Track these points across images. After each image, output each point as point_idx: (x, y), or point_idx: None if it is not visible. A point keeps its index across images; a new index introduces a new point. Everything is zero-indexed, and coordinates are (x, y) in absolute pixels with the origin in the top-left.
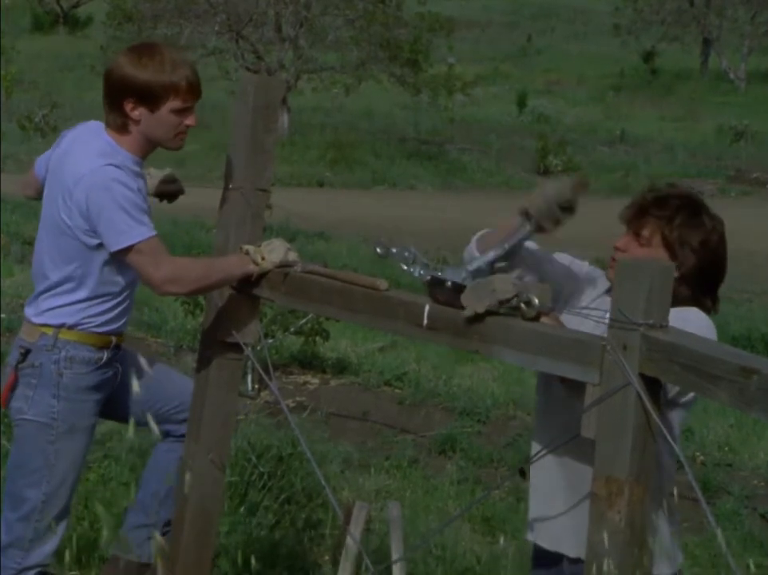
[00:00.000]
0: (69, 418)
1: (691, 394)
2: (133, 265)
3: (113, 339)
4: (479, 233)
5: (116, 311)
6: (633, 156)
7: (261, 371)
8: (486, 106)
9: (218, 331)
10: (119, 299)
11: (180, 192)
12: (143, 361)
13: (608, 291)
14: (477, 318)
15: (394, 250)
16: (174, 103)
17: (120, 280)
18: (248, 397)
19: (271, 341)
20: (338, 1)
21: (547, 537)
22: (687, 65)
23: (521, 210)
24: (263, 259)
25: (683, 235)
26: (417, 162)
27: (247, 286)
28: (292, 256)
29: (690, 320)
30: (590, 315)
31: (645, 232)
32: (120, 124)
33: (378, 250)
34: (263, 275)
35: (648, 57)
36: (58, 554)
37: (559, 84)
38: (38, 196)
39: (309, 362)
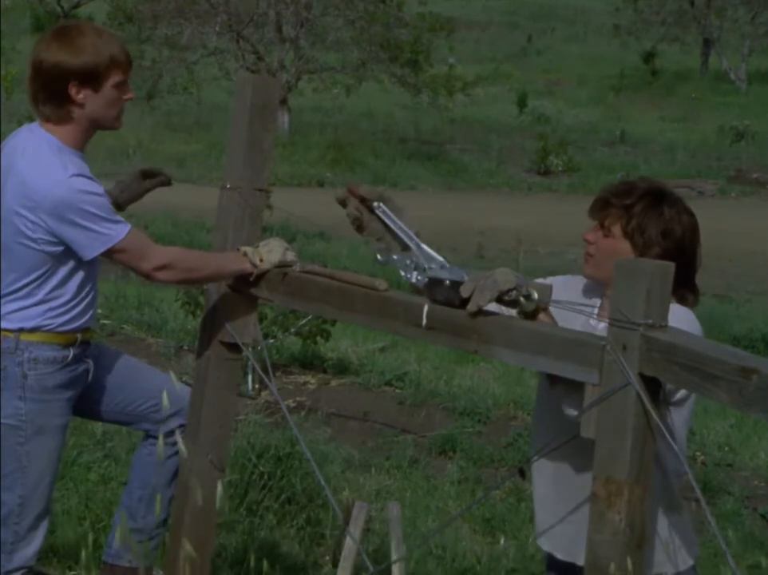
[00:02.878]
0: (37, 418)
1: (682, 393)
2: (120, 263)
3: (78, 336)
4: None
5: (77, 310)
6: (633, 156)
7: (260, 372)
8: (487, 107)
9: (217, 332)
10: (79, 298)
11: (166, 180)
12: (117, 357)
13: (585, 290)
14: (480, 313)
15: (395, 257)
16: (116, 77)
17: (79, 281)
18: (249, 397)
19: (271, 341)
20: (339, 2)
21: (559, 547)
22: (688, 65)
23: (371, 198)
24: (261, 260)
25: (642, 225)
26: (418, 162)
27: (245, 286)
28: (290, 256)
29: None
30: (575, 309)
31: (607, 223)
32: (61, 114)
33: (379, 257)
34: (261, 275)
35: (648, 57)
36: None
37: (559, 84)
38: None
39: (309, 362)
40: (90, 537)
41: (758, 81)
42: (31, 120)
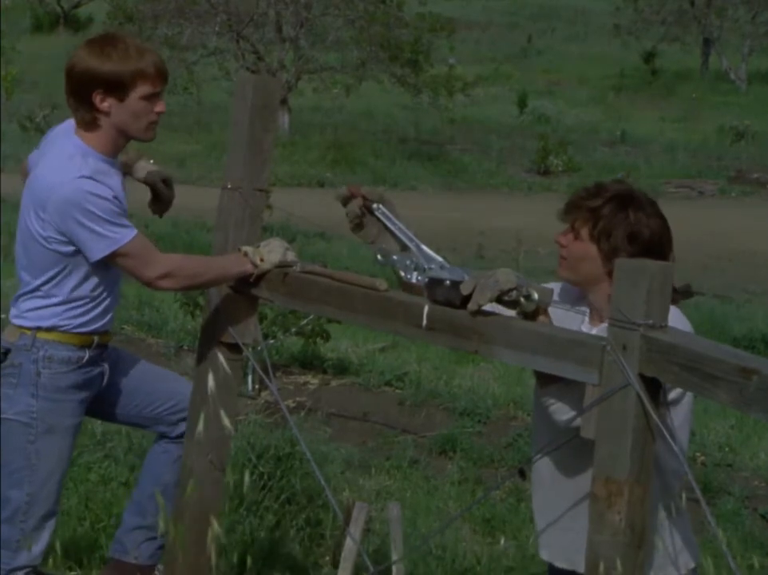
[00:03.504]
0: (48, 417)
1: (677, 392)
2: (123, 268)
3: (95, 338)
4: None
5: (95, 312)
6: (634, 156)
7: (261, 372)
8: (487, 107)
9: (217, 332)
10: (97, 300)
11: (171, 200)
12: (133, 361)
13: (567, 298)
14: (480, 313)
15: (395, 257)
16: (143, 89)
17: (97, 283)
18: (249, 397)
19: (271, 342)
20: (339, 2)
21: (558, 555)
22: (688, 65)
23: (371, 199)
24: (261, 260)
25: (607, 228)
26: (418, 163)
27: (245, 286)
28: (291, 256)
29: None
30: (574, 309)
31: (577, 225)
32: (89, 120)
33: (379, 257)
34: (262, 275)
35: (649, 57)
36: (62, 553)
37: (559, 84)
38: None
39: (309, 362)
40: (91, 538)
41: (758, 81)
42: (31, 120)
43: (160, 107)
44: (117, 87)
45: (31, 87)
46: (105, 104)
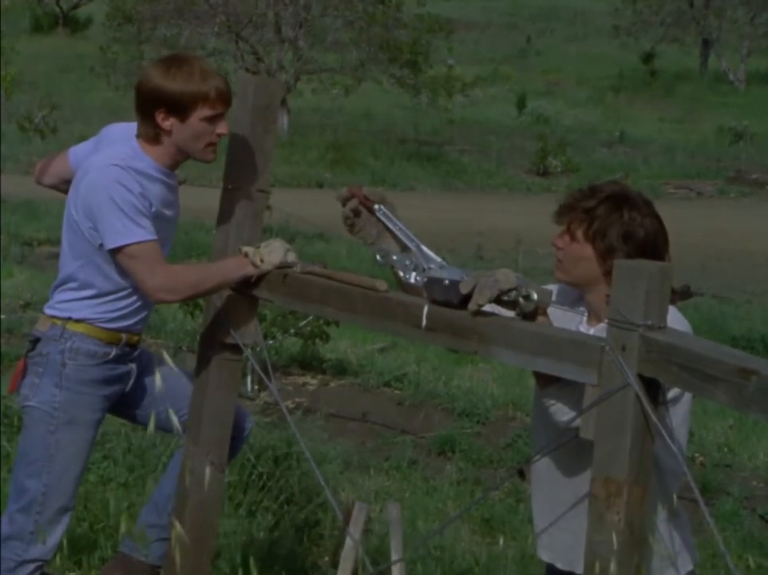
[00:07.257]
0: (69, 408)
1: (674, 392)
2: (127, 269)
3: (123, 336)
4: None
5: (126, 310)
6: (632, 157)
7: (260, 372)
8: (486, 107)
9: (217, 332)
10: (130, 299)
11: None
12: (167, 367)
13: (565, 299)
14: (480, 313)
15: (395, 257)
16: (203, 111)
17: (127, 280)
18: (248, 398)
19: (271, 342)
20: (338, 3)
21: (558, 557)
22: (687, 66)
23: (373, 199)
24: (261, 260)
25: (602, 228)
26: (417, 163)
27: (246, 287)
28: (291, 257)
29: None
30: (572, 310)
31: (573, 227)
32: (152, 136)
33: (378, 257)
34: (262, 276)
35: (648, 58)
36: (67, 552)
37: (558, 85)
38: (53, 185)
39: (309, 363)
40: (90, 538)
41: (757, 82)
42: (30, 121)
43: (221, 129)
44: (179, 108)
45: (30, 88)
46: (167, 123)
